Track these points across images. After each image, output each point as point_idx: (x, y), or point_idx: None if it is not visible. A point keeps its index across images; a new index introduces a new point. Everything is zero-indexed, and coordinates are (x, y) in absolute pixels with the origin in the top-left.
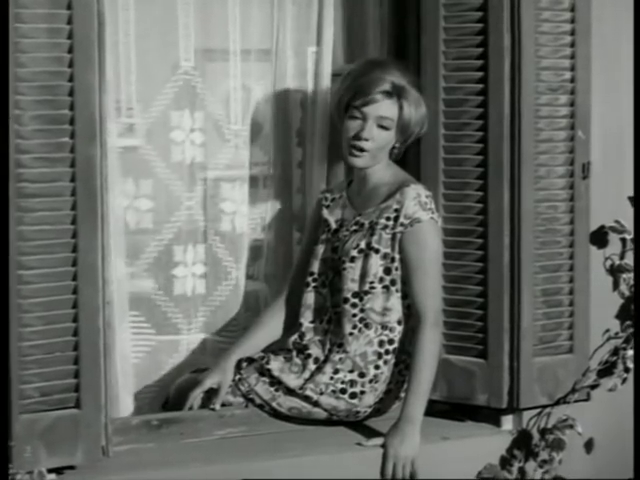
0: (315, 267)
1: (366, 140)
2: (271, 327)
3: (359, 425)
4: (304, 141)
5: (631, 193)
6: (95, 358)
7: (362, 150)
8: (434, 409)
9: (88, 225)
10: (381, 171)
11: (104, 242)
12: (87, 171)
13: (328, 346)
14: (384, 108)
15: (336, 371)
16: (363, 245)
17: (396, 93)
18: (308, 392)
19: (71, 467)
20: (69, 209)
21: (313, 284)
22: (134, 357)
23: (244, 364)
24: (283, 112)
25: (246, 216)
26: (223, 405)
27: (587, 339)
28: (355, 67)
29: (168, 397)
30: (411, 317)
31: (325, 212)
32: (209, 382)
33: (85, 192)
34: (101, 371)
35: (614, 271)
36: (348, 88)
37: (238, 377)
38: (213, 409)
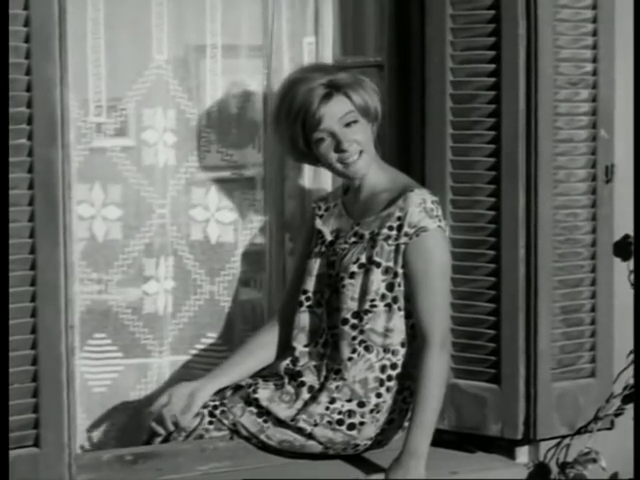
0: (309, 284)
1: (350, 145)
2: (261, 353)
3: (358, 458)
4: None
5: None
6: (57, 390)
7: (354, 157)
8: (441, 439)
9: (48, 238)
10: (376, 173)
11: (67, 258)
12: (47, 177)
13: (324, 373)
14: (337, 108)
15: (332, 400)
16: (364, 259)
17: (332, 88)
18: (301, 423)
19: None
20: (26, 220)
21: (307, 303)
22: (98, 385)
23: (228, 392)
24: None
25: (225, 224)
26: (200, 437)
27: (611, 361)
28: (278, 104)
29: (150, 432)
30: (416, 338)
31: (318, 222)
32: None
33: (45, 201)
34: (63, 404)
35: None
36: (292, 123)
37: (221, 409)
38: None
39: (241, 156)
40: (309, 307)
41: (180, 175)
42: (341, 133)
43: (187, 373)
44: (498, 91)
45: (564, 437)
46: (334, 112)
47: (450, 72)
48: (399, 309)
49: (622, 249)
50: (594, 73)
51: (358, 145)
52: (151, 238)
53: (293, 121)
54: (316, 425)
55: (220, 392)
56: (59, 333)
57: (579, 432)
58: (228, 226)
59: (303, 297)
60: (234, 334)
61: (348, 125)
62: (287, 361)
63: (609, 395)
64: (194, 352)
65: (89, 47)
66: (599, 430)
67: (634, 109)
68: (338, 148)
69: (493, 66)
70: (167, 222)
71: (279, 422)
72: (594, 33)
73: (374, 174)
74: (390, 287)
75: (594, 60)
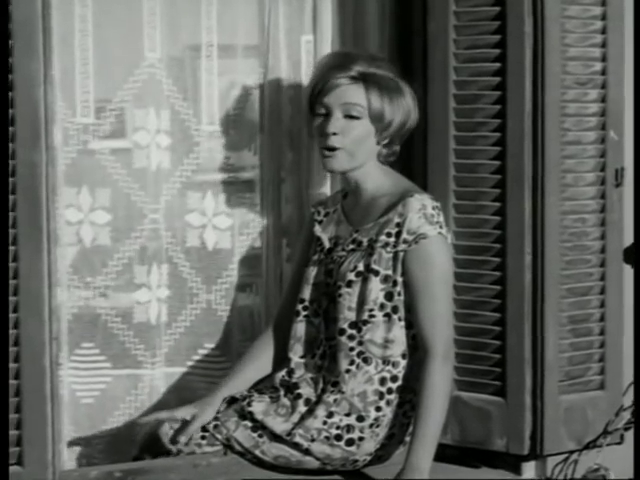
0: (306, 293)
1: (334, 134)
2: (260, 362)
3: (357, 474)
4: (298, 144)
5: None
6: (40, 405)
7: (333, 149)
8: (444, 454)
9: (31, 246)
10: (376, 178)
11: (51, 266)
12: (30, 181)
13: (321, 385)
14: (348, 94)
15: (330, 414)
16: (361, 267)
17: (361, 79)
18: (297, 439)
19: None
20: (9, 227)
21: (304, 313)
22: (86, 396)
23: (222, 406)
24: (272, 111)
25: (222, 230)
26: (192, 453)
27: (620, 373)
28: (318, 62)
29: (142, 447)
30: (417, 349)
31: (317, 229)
32: (181, 413)
33: (28, 206)
34: (48, 420)
35: None
36: (309, 85)
37: (214, 423)
38: (173, 450)
39: (238, 158)
40: (306, 317)
41: (175, 179)
42: (335, 118)
43: (183, 385)
44: (503, 91)
45: (572, 452)
46: (342, 94)
47: (453, 71)
48: (399, 319)
49: (632, 256)
50: (603, 72)
51: (342, 140)
52: (142, 244)
53: (311, 82)
54: (313, 440)
55: None
56: (43, 345)
57: (587, 447)
58: (225, 232)
59: (300, 306)
60: (232, 344)
61: (349, 117)
62: (283, 373)
63: (619, 408)
64: (191, 363)
65: (77, 45)
66: (608, 445)
67: (634, 111)
68: (323, 131)
69: (498, 65)
70: (161, 227)
71: (274, 437)
72: (603, 31)
73: (374, 178)
74: (389, 296)
75: (603, 59)
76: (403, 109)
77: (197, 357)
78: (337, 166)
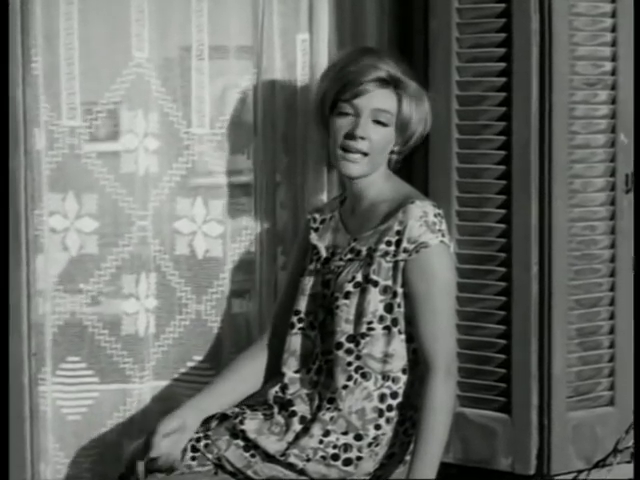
0: (301, 304)
1: (362, 139)
2: (246, 376)
3: None
4: (293, 147)
5: None
6: (19, 423)
7: (358, 152)
8: (447, 474)
9: (10, 255)
10: (379, 184)
11: (30, 277)
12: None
13: (317, 402)
14: (380, 99)
15: (326, 433)
16: (360, 277)
17: (393, 83)
18: (292, 459)
19: None
20: None
21: (299, 325)
22: (72, 413)
23: (214, 423)
24: (266, 113)
25: (212, 237)
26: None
27: (631, 388)
28: (341, 56)
29: (127, 467)
30: (418, 364)
31: (314, 237)
32: (170, 427)
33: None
34: (26, 440)
35: None
36: (334, 80)
37: (205, 442)
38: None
39: (230, 163)
40: (301, 329)
41: (163, 184)
42: (365, 122)
43: (171, 399)
44: (508, 92)
45: (580, 472)
46: (375, 100)
47: (456, 71)
48: (399, 332)
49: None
50: (613, 73)
51: (369, 145)
52: (130, 252)
53: (338, 80)
54: (308, 460)
55: (205, 423)
56: (21, 361)
57: (597, 466)
58: (216, 239)
59: (295, 318)
60: (222, 357)
61: (377, 122)
62: (276, 388)
63: (629, 426)
64: (178, 377)
65: (62, 44)
66: (619, 464)
67: (634, 110)
68: (351, 133)
69: (503, 65)
70: (149, 235)
71: (268, 457)
72: (613, 29)
73: (378, 184)
74: (389, 308)
75: (613, 58)
76: (424, 118)
77: (186, 370)
78: (359, 172)
